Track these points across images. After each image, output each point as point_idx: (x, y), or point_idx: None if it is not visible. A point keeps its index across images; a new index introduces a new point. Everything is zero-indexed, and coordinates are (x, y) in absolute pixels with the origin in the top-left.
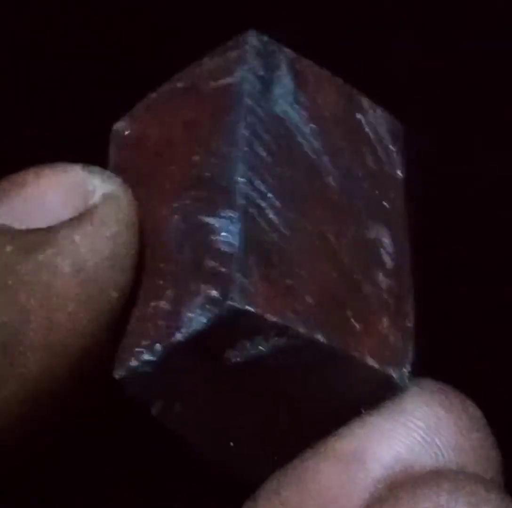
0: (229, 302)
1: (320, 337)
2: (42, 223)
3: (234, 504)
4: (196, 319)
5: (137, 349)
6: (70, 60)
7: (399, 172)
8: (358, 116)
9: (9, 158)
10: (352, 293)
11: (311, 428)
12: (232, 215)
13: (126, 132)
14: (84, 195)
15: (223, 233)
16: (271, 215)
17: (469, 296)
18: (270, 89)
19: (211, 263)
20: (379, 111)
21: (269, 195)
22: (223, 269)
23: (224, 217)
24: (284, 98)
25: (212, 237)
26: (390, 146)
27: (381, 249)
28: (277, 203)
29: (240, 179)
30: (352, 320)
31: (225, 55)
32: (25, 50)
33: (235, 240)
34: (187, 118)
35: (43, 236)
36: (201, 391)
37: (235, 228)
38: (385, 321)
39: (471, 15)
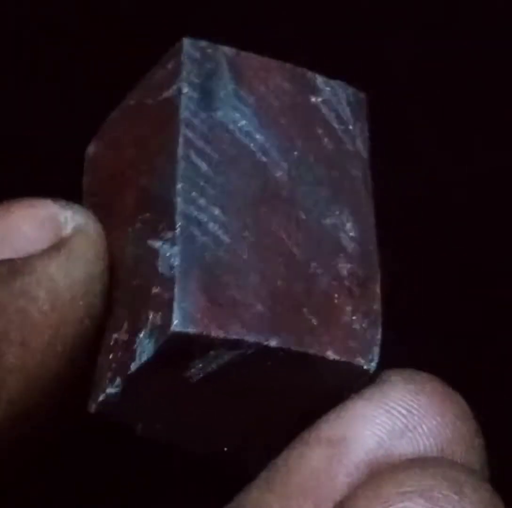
0: (172, 328)
1: (273, 342)
2: (16, 254)
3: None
4: (146, 347)
5: (103, 383)
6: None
7: (361, 148)
8: (312, 98)
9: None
10: (309, 288)
11: (293, 419)
12: (171, 236)
13: (92, 155)
14: (56, 227)
15: (166, 256)
16: (214, 229)
17: (469, 295)
18: (210, 95)
19: (156, 289)
20: (336, 86)
21: (211, 208)
22: (166, 295)
23: (166, 240)
24: (226, 101)
25: (157, 262)
26: (351, 124)
27: (342, 234)
28: (220, 215)
29: (178, 199)
30: (310, 317)
31: (165, 66)
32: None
33: (175, 263)
34: (137, 137)
35: (19, 265)
36: (175, 406)
37: (175, 250)
38: (348, 310)
39: (471, 15)
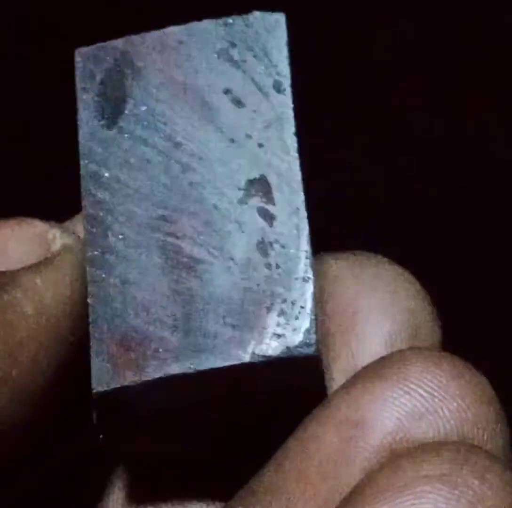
0: (93, 391)
1: (180, 369)
2: (3, 268)
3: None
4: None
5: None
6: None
7: (283, 89)
8: (218, 45)
9: None
10: (210, 296)
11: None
12: (90, 289)
13: None
14: (44, 245)
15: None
16: (122, 268)
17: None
18: (111, 103)
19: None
20: (249, 23)
21: (118, 245)
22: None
23: (91, 294)
24: (124, 109)
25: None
26: (271, 67)
27: (261, 213)
28: (127, 250)
29: (88, 248)
30: (219, 326)
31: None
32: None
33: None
34: None
35: (7, 279)
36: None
37: (91, 302)
38: (261, 297)
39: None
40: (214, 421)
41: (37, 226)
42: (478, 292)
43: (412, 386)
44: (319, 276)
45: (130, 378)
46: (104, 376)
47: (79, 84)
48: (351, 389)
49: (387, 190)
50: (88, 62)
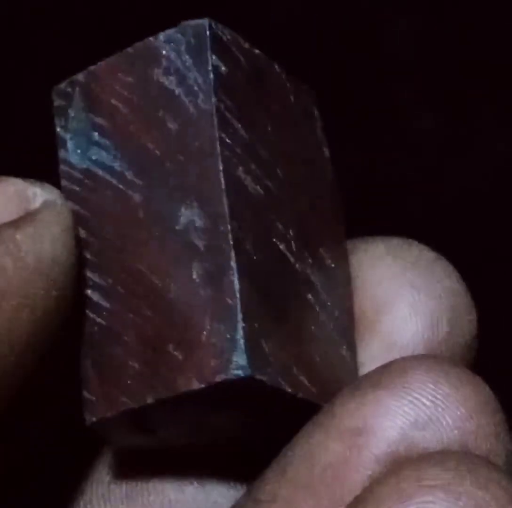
0: (87, 422)
1: (149, 400)
2: None
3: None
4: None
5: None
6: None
7: (207, 105)
8: (156, 70)
9: None
10: (168, 321)
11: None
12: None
13: None
14: (24, 202)
15: None
16: (97, 299)
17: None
18: (79, 142)
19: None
20: (177, 35)
21: (95, 278)
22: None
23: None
24: (86, 137)
25: None
26: (193, 75)
27: (193, 233)
28: (101, 281)
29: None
30: (175, 353)
31: None
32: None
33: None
34: None
35: None
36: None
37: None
38: (207, 324)
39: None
40: (210, 428)
41: (16, 183)
42: (478, 292)
43: (415, 394)
44: (354, 259)
45: (108, 410)
46: (88, 410)
47: (56, 122)
48: (354, 398)
49: (386, 190)
50: (60, 99)
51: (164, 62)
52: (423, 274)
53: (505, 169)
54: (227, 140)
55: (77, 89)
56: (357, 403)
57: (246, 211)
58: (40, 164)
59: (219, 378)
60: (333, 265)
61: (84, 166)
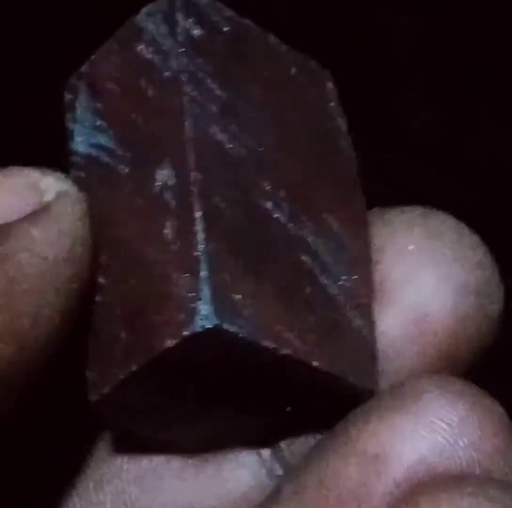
0: (90, 403)
1: (134, 367)
2: None
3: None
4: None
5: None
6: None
7: (180, 97)
8: (139, 47)
9: None
10: (148, 285)
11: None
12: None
13: None
14: (38, 194)
15: None
16: None
17: None
18: (77, 135)
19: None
20: (152, 14)
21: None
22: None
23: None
24: (91, 128)
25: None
26: (167, 48)
27: (167, 193)
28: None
29: None
30: (153, 315)
31: None
32: None
33: None
34: None
35: (2, 231)
36: (177, 403)
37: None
38: (177, 279)
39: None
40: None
41: (28, 175)
42: None
43: (431, 418)
44: (375, 230)
45: (102, 387)
46: (90, 387)
47: (66, 116)
48: (370, 422)
49: (386, 190)
50: (69, 93)
51: (145, 36)
52: (450, 245)
53: (505, 169)
54: (198, 98)
55: (82, 80)
56: (373, 428)
57: (218, 167)
58: (46, 153)
59: (187, 331)
60: (343, 232)
61: (87, 152)
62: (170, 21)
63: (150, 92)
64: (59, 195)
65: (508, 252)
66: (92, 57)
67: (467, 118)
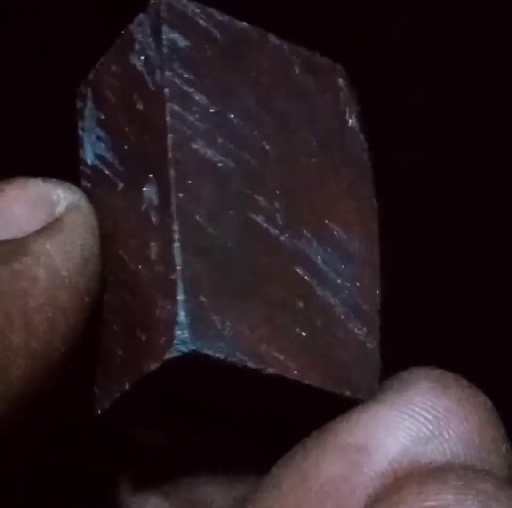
0: (93, 417)
1: (127, 385)
2: (10, 235)
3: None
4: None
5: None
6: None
7: (166, 114)
8: (132, 60)
9: None
10: (139, 304)
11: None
12: None
13: None
14: (49, 206)
15: None
16: None
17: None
18: (85, 144)
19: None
20: (143, 20)
21: None
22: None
23: None
24: (92, 136)
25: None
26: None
27: (151, 211)
28: None
29: None
30: (141, 335)
31: None
32: None
33: None
34: None
35: (17, 246)
36: (182, 409)
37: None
38: (159, 302)
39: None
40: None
41: (39, 186)
42: (478, 292)
43: (416, 409)
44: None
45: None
46: (94, 401)
47: (77, 124)
48: (353, 413)
49: (386, 190)
50: (79, 101)
51: (136, 46)
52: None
53: (505, 169)
54: (182, 113)
55: (89, 88)
56: (356, 419)
57: (202, 182)
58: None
59: (167, 355)
60: (351, 240)
61: (93, 162)
62: (155, 31)
63: (139, 106)
64: (70, 207)
65: (508, 252)
66: (98, 64)
67: (467, 118)
